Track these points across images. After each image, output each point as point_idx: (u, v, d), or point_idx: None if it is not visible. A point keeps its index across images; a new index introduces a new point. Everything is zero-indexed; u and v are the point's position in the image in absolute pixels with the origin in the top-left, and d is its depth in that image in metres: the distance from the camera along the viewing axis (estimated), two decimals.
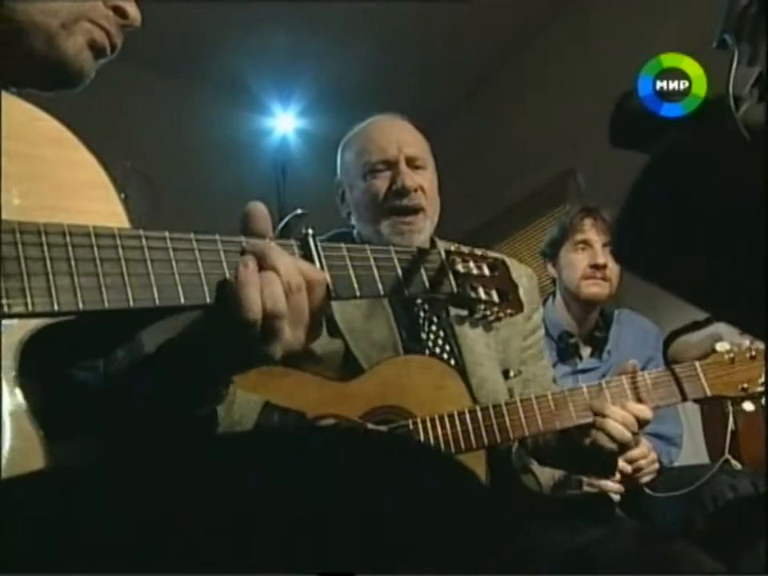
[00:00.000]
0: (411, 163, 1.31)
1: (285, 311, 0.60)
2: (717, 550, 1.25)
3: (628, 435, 1.11)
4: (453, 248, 0.88)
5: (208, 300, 0.60)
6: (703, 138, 0.57)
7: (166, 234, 0.60)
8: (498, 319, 0.93)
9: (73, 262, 0.53)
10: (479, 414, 1.17)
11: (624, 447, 1.13)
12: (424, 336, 1.32)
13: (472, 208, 3.74)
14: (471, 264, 0.91)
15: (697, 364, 1.15)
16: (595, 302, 1.95)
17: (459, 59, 3.79)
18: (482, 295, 0.89)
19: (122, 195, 0.60)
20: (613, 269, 1.92)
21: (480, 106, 4.11)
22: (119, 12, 0.68)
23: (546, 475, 1.51)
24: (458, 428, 1.16)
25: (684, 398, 1.15)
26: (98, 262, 0.54)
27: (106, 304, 0.53)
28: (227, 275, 0.62)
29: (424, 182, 1.32)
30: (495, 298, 0.91)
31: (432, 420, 1.17)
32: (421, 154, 1.34)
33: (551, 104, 3.57)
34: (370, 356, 1.25)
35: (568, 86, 3.48)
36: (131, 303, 0.55)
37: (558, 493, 1.49)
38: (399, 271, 0.77)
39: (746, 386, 1.13)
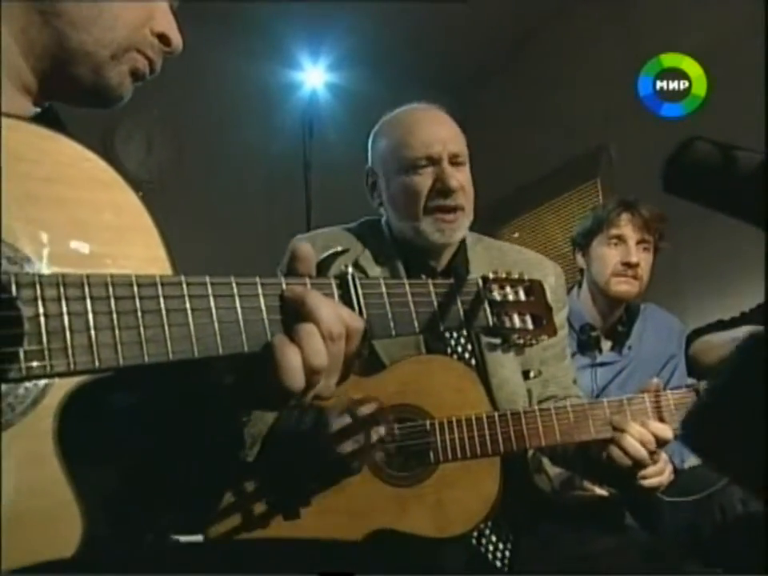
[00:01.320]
0: (453, 160, 1.29)
1: (325, 365, 0.60)
2: (719, 563, 1.27)
3: (644, 453, 1.11)
4: (491, 275, 0.87)
5: (246, 348, 0.59)
6: None
7: (207, 279, 0.59)
8: (531, 345, 0.92)
9: (114, 316, 0.53)
10: (497, 421, 1.17)
11: (639, 464, 1.13)
12: (447, 335, 1.32)
13: (502, 176, 3.68)
14: (508, 289, 0.90)
15: None
16: (623, 300, 1.93)
17: (496, 25, 3.65)
18: (517, 323, 0.88)
19: (140, 193, 0.59)
20: (644, 267, 1.89)
21: (516, 73, 3.98)
22: (164, 40, 0.69)
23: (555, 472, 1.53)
24: (475, 433, 1.17)
25: None
26: (140, 314, 0.54)
27: (146, 358, 0.54)
28: (266, 321, 0.61)
29: (464, 178, 1.30)
30: (529, 324, 0.90)
31: (450, 422, 1.18)
32: (462, 151, 1.31)
33: (587, 78, 3.46)
34: (391, 353, 1.25)
35: (605, 61, 3.36)
36: (170, 356, 0.55)
37: (563, 492, 1.51)
38: (436, 306, 0.76)
39: None
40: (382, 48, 3.66)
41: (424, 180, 1.28)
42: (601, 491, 1.49)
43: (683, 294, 2.79)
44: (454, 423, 1.17)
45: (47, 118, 0.73)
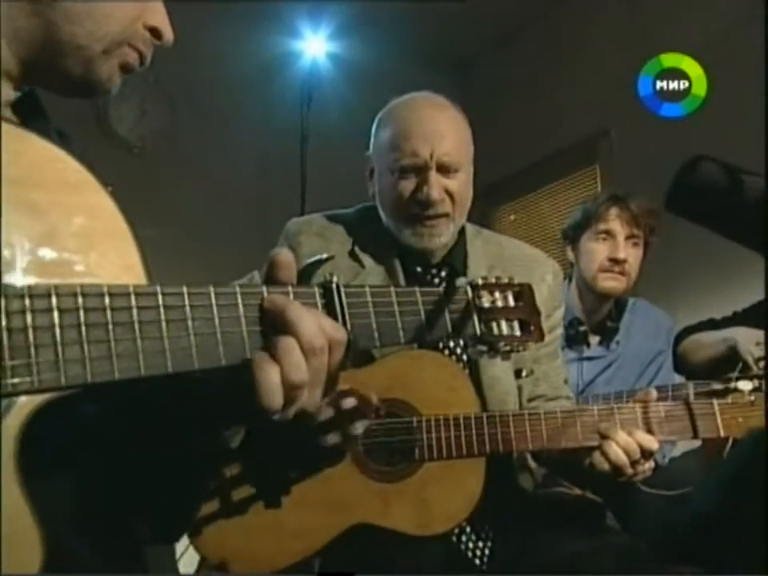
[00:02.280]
0: (443, 168, 1.24)
1: (306, 380, 0.58)
2: (695, 559, 1.28)
3: (624, 460, 1.11)
4: (480, 281, 0.84)
5: (223, 362, 0.57)
6: None
7: (184, 289, 0.56)
8: (517, 351, 0.90)
9: (83, 329, 0.50)
10: (485, 422, 1.16)
11: (618, 472, 1.12)
12: None
13: (501, 156, 3.63)
14: (497, 294, 0.87)
15: (715, 402, 1.13)
16: (610, 296, 1.91)
17: (499, 4, 3.55)
18: (505, 330, 0.86)
19: (108, 188, 0.56)
20: (632, 263, 1.87)
21: (519, 52, 3.90)
22: (156, 34, 0.68)
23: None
24: (462, 432, 1.16)
25: (695, 435, 1.13)
26: (111, 327, 0.51)
27: (117, 375, 0.51)
28: (244, 332, 0.59)
29: (454, 186, 1.25)
30: (517, 331, 0.88)
31: (437, 421, 1.16)
32: (455, 158, 1.25)
33: (590, 62, 3.40)
34: None
35: (608, 45, 3.31)
36: (142, 371, 0.52)
37: (546, 486, 1.51)
38: (423, 316, 0.74)
39: None
40: (384, 17, 3.57)
41: (408, 185, 1.25)
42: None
43: (675, 289, 2.77)
44: (441, 422, 1.16)
45: (28, 103, 0.70)
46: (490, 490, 1.16)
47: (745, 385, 1.13)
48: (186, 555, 1.21)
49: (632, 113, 3.02)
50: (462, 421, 1.16)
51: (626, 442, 1.10)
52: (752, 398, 1.12)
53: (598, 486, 1.28)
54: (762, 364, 1.59)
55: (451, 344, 1.30)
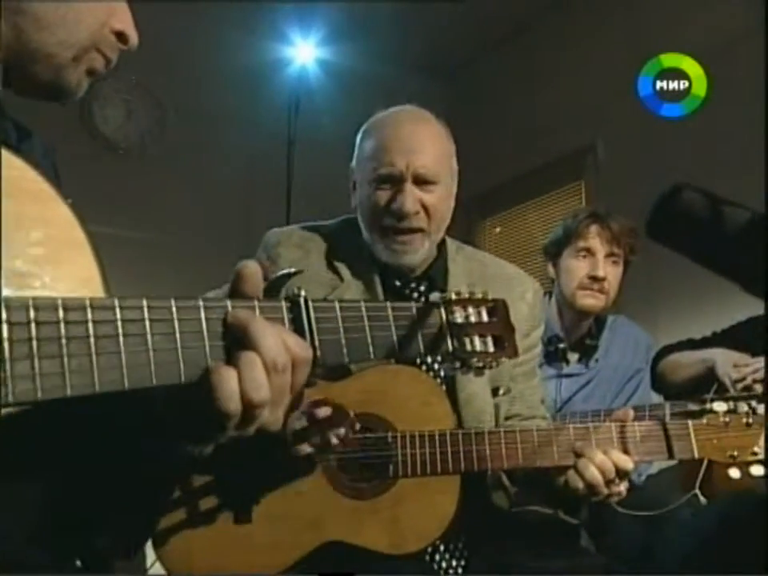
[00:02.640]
0: (420, 180, 1.23)
1: (267, 398, 0.56)
2: None
3: (599, 479, 1.09)
4: (453, 296, 0.83)
5: (183, 379, 0.55)
6: None
7: (144, 302, 0.54)
8: (490, 367, 0.89)
9: (35, 343, 0.48)
10: (460, 439, 1.15)
11: (592, 491, 1.11)
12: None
13: (487, 168, 3.63)
14: (470, 309, 0.86)
15: (689, 423, 1.12)
16: (589, 314, 1.91)
17: (490, 13, 3.57)
18: (477, 346, 0.84)
19: (68, 200, 0.55)
20: (612, 281, 1.87)
21: (506, 63, 3.92)
22: (122, 38, 0.67)
23: None
24: (437, 449, 1.14)
25: (671, 456, 1.13)
26: (64, 341, 0.49)
27: (69, 391, 0.49)
28: (207, 348, 0.57)
29: (431, 199, 1.24)
30: (490, 347, 0.87)
31: (412, 437, 1.15)
32: (433, 170, 1.24)
33: (579, 76, 3.42)
34: None
35: (598, 61, 3.32)
36: (97, 388, 0.50)
37: (520, 504, 1.50)
38: (394, 333, 0.72)
39: (735, 453, 1.10)
40: (374, 24, 3.57)
41: (383, 196, 1.24)
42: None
43: (655, 308, 2.78)
44: (417, 438, 1.15)
45: None
46: (464, 509, 1.15)
47: (719, 406, 1.13)
48: (156, 566, 1.18)
49: (619, 128, 3.06)
50: (437, 437, 1.14)
51: (601, 461, 1.09)
52: (727, 419, 1.11)
53: (572, 506, 1.27)
54: (739, 386, 1.59)
55: (428, 359, 1.29)
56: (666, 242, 0.63)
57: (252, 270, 0.62)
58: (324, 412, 1.05)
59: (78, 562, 0.67)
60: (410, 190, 1.22)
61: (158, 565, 1.17)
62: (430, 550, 1.21)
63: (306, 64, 3.61)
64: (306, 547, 1.12)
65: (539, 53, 3.70)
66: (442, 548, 1.22)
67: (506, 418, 1.31)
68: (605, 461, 1.10)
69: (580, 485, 1.10)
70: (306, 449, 1.06)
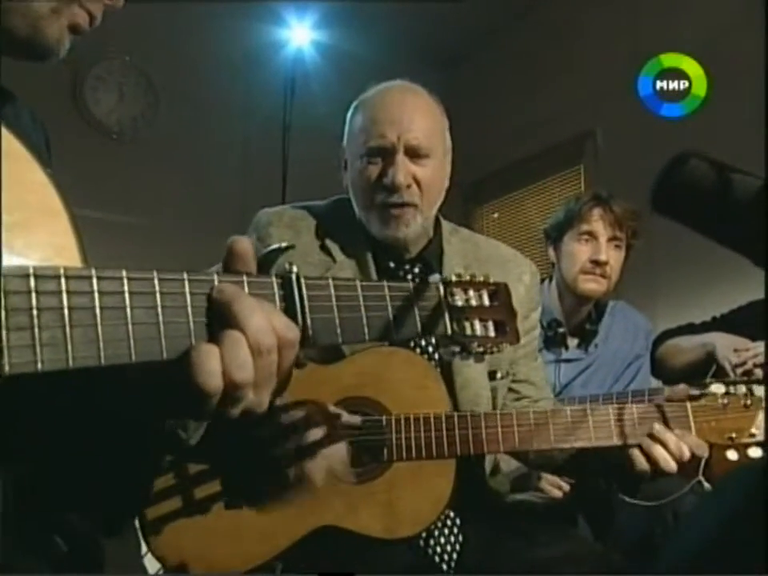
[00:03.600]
0: (412, 153, 1.19)
1: (250, 379, 0.53)
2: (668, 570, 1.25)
3: (673, 466, 1.07)
4: (454, 278, 0.80)
5: (164, 356, 0.52)
6: None
7: (124, 273, 0.51)
8: (491, 352, 0.86)
9: (2, 314, 0.45)
10: (456, 421, 1.12)
11: (663, 475, 1.08)
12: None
13: (485, 154, 3.59)
14: (471, 292, 0.83)
15: (688, 405, 1.10)
16: (590, 298, 1.88)
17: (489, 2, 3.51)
18: (478, 331, 0.82)
19: (48, 170, 0.51)
20: (614, 265, 1.84)
21: (507, 48, 3.86)
22: None
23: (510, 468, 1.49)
24: (432, 433, 1.12)
25: None
26: (35, 312, 0.46)
27: (40, 366, 0.46)
28: (191, 324, 0.54)
29: (424, 173, 1.20)
30: (491, 332, 0.84)
31: (406, 419, 1.13)
32: (425, 142, 1.20)
33: (578, 61, 3.38)
34: None
35: (598, 46, 3.28)
36: (71, 363, 0.47)
37: (517, 490, 1.48)
38: (390, 313, 0.69)
39: (734, 435, 1.08)
40: (371, 7, 3.52)
41: (374, 170, 1.20)
42: (556, 494, 1.46)
43: (655, 293, 2.76)
44: (411, 421, 1.12)
45: None
46: (460, 493, 1.13)
47: (718, 388, 1.10)
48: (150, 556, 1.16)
49: (618, 113, 3.02)
50: (432, 420, 1.12)
51: (677, 447, 1.06)
52: (725, 401, 1.09)
53: (630, 485, 1.23)
54: (739, 370, 1.57)
55: (423, 342, 1.26)
56: (672, 215, 0.60)
57: (244, 245, 0.58)
58: (297, 415, 1.03)
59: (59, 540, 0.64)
60: (402, 162, 1.18)
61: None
62: (424, 535, 1.19)
63: (302, 46, 3.56)
64: (298, 533, 1.10)
65: (539, 39, 3.65)
66: (436, 533, 1.20)
67: (516, 401, 1.29)
68: (682, 447, 1.06)
69: (644, 466, 1.07)
70: (287, 452, 1.03)
